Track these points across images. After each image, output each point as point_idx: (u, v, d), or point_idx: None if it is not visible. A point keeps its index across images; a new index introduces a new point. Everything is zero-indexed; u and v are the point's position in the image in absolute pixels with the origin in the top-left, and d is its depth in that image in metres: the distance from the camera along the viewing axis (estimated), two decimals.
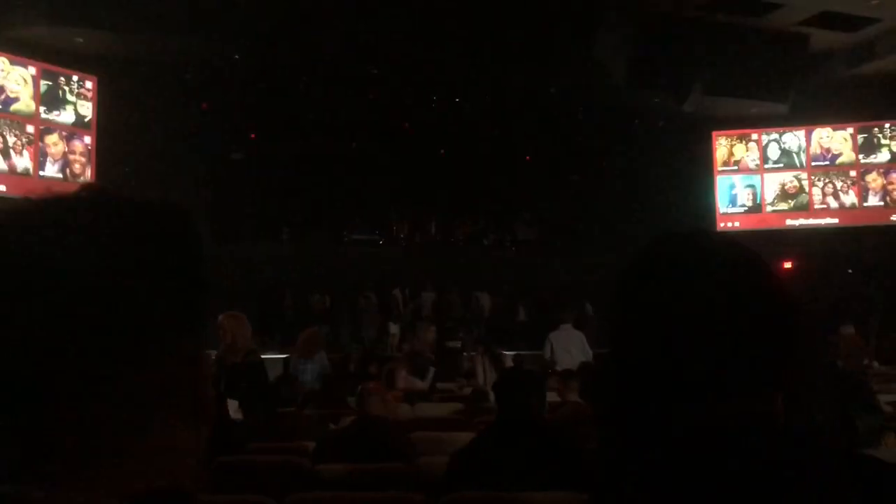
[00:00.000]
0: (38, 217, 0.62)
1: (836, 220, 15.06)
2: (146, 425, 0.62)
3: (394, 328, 13.88)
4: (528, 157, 15.66)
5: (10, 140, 11.55)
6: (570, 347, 7.97)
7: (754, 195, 15.56)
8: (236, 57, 13.00)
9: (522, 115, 15.00)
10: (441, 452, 3.61)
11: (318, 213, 15.73)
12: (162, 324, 0.63)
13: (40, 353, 0.58)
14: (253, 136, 14.72)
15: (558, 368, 7.24)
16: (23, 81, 11.65)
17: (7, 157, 11.51)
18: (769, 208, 15.46)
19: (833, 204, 15.16)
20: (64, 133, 12.22)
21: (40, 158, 11.94)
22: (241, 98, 13.75)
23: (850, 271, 14.27)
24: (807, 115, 14.73)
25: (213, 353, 4.62)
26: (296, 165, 15.05)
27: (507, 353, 11.53)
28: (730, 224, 15.28)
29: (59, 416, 0.59)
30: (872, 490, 0.80)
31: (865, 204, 14.99)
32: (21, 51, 11.50)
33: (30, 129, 11.85)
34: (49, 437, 0.59)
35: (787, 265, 13.64)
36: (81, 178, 12.19)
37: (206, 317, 0.68)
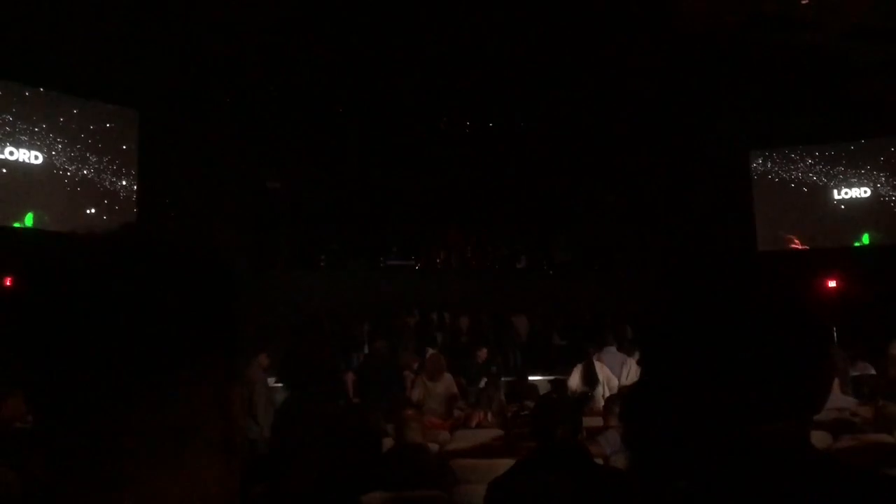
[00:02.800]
0: (79, 255, 0.65)
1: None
2: (177, 456, 0.64)
3: (431, 353, 13.83)
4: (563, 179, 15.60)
5: None
6: (615, 370, 7.89)
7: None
8: (272, 87, 13.26)
9: (555, 138, 14.99)
10: (480, 480, 3.59)
11: (354, 240, 15.85)
12: (194, 358, 0.65)
13: (75, 384, 0.61)
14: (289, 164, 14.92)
15: (606, 391, 7.18)
16: None
17: None
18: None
19: None
20: None
21: None
22: (278, 127, 13.98)
23: None
24: (846, 131, 14.48)
25: None
26: (332, 193, 15.21)
27: (545, 377, 11.45)
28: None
29: (90, 444, 0.62)
30: None
31: None
32: (64, 86, 11.88)
33: None
34: (81, 465, 0.62)
35: (832, 283, 13.33)
36: None
37: (238, 352, 0.70)
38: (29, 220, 11.46)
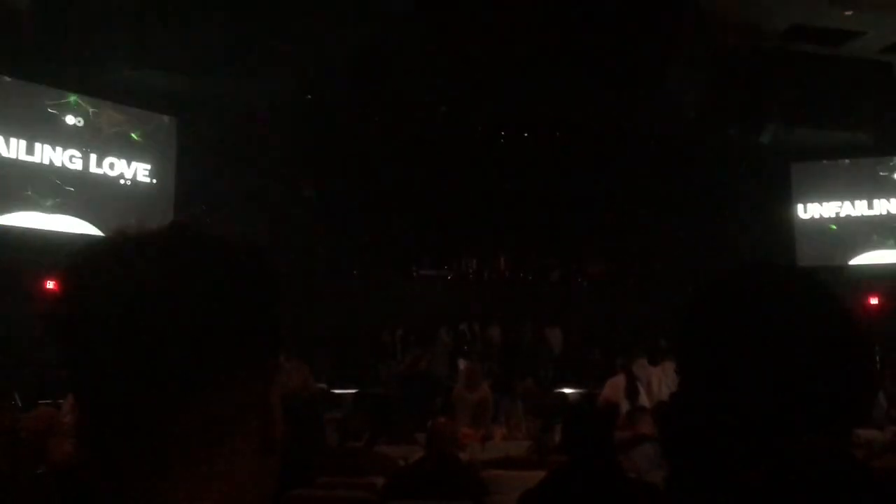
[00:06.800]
0: (129, 251, 0.66)
1: None
2: (214, 454, 0.64)
3: (462, 364, 13.82)
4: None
5: None
6: (650, 383, 7.80)
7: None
8: (308, 96, 13.40)
9: (592, 150, 14.90)
10: (510, 492, 3.56)
11: (386, 249, 15.90)
12: (235, 355, 0.65)
13: (119, 379, 0.62)
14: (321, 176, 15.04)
15: (638, 404, 7.09)
16: None
17: None
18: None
19: None
20: None
21: None
22: (313, 135, 14.10)
23: None
24: (891, 144, 14.16)
25: None
26: (366, 201, 15.30)
27: (578, 390, 11.37)
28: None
29: (133, 437, 0.62)
30: None
31: None
32: (102, 93, 12.19)
33: None
34: (123, 459, 0.63)
35: (874, 300, 13.01)
36: None
37: (278, 352, 0.70)
38: (74, 224, 11.78)
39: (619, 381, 7.76)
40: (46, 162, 11.69)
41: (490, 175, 15.27)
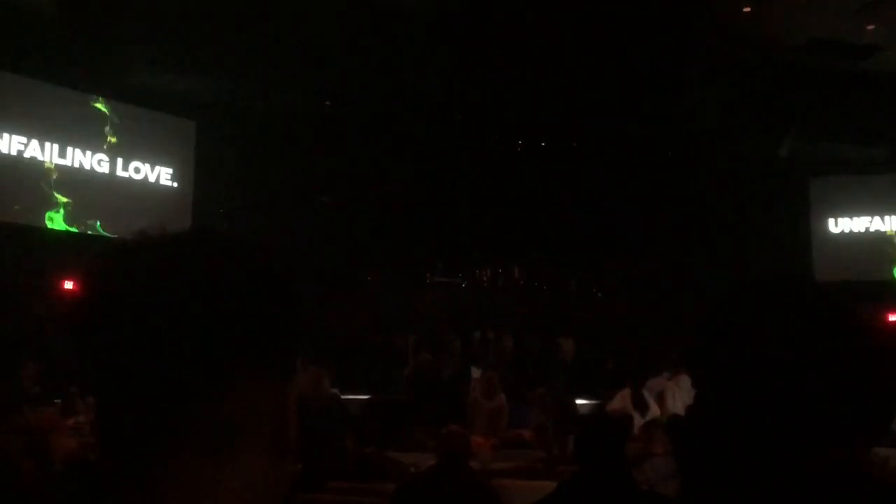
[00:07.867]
0: (150, 253, 0.67)
1: None
2: (226, 455, 0.64)
3: (475, 372, 13.76)
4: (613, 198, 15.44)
5: None
6: (664, 395, 7.75)
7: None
8: (327, 103, 13.49)
9: (610, 161, 14.87)
10: (521, 501, 3.56)
11: (401, 255, 15.91)
12: (251, 357, 0.65)
13: (135, 374, 0.63)
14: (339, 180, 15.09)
15: (650, 417, 7.04)
16: None
17: None
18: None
19: None
20: None
21: None
22: (331, 142, 14.17)
23: None
24: None
25: None
26: (380, 208, 15.33)
27: (592, 401, 11.30)
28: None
29: (147, 432, 0.63)
30: None
31: None
32: (124, 96, 12.31)
33: None
34: (136, 452, 0.63)
35: (894, 317, 12.85)
36: None
37: (296, 354, 0.71)
38: (97, 226, 11.94)
39: (628, 393, 7.72)
40: (77, 165, 11.88)
41: (506, 183, 15.26)
